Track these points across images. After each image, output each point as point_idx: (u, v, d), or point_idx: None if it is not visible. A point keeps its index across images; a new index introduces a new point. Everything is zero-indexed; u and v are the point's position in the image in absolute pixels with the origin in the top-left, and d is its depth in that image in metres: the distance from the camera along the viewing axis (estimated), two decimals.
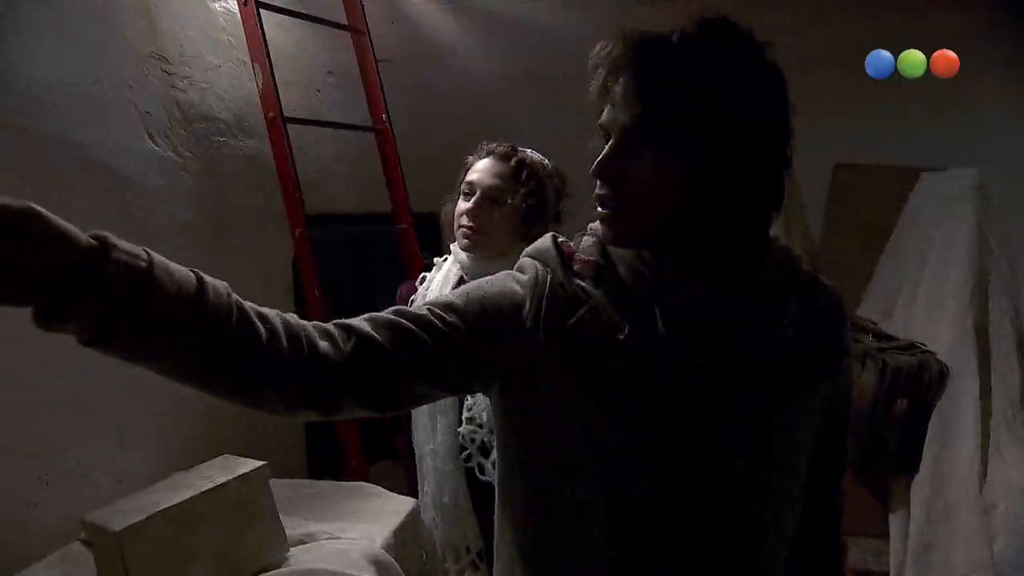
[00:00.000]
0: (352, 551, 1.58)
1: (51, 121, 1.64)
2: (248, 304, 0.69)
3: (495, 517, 0.88)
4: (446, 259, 1.57)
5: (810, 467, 0.82)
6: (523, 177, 1.45)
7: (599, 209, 0.76)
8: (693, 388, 0.74)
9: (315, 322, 0.74)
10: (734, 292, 0.76)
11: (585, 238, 0.82)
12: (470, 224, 1.45)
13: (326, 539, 1.66)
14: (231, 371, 0.67)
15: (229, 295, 0.67)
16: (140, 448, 1.85)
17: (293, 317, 0.72)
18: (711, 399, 0.75)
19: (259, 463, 1.54)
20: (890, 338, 2.50)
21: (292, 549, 1.58)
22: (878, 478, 2.50)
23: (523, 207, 1.45)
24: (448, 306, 0.78)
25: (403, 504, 1.83)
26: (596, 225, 0.80)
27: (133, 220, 1.85)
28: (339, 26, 2.36)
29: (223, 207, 2.15)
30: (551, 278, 0.78)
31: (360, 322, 0.75)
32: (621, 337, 0.74)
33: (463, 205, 1.48)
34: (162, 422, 1.91)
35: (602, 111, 0.75)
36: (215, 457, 1.60)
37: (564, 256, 0.80)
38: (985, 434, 2.25)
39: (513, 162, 1.47)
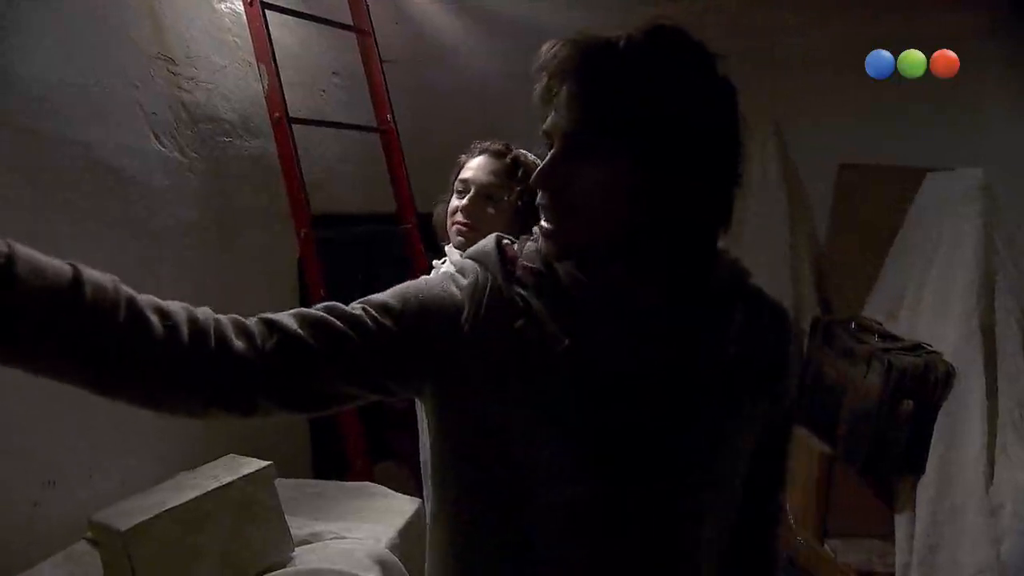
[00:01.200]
0: (357, 551, 1.59)
1: (56, 121, 1.64)
2: (146, 298, 0.65)
3: (427, 515, 0.87)
4: (444, 261, 1.57)
5: (749, 478, 0.82)
6: (518, 175, 1.43)
7: (542, 222, 0.74)
8: (641, 393, 0.73)
9: (234, 316, 0.70)
10: (684, 299, 0.75)
11: (529, 243, 0.79)
12: (464, 221, 1.44)
13: (331, 539, 1.66)
14: (119, 370, 0.63)
15: (117, 289, 0.62)
16: (145, 448, 1.85)
17: (205, 312, 0.68)
18: (660, 403, 0.74)
19: (264, 463, 1.55)
20: (895, 339, 2.49)
21: (297, 549, 1.59)
22: (883, 479, 2.49)
23: (517, 204, 1.43)
24: (383, 306, 0.75)
25: (407, 504, 1.83)
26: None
27: (138, 220, 1.85)
28: (344, 27, 2.37)
29: (228, 207, 2.16)
30: (491, 283, 0.75)
31: (286, 318, 0.72)
32: (560, 349, 0.72)
33: (456, 202, 1.46)
34: (167, 422, 1.90)
35: (546, 117, 0.73)
36: (220, 457, 1.61)
37: (506, 260, 0.77)
38: (991, 435, 2.24)
39: (508, 160, 1.45)
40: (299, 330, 0.71)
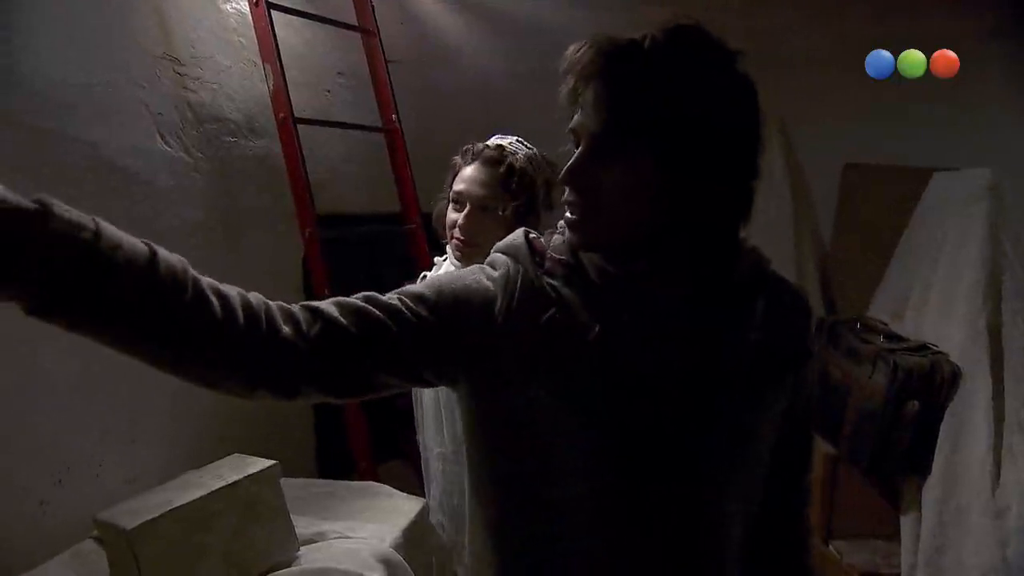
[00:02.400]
0: (362, 550, 1.59)
1: (63, 121, 1.65)
2: (207, 281, 0.68)
3: (467, 509, 0.89)
4: (445, 258, 1.57)
5: (775, 463, 0.84)
6: (513, 185, 1.42)
7: (568, 215, 0.76)
8: (666, 391, 0.75)
9: (280, 303, 0.72)
10: (706, 296, 0.77)
11: (556, 236, 0.81)
12: (461, 237, 1.44)
13: (336, 538, 1.67)
14: (182, 347, 0.66)
15: (185, 271, 0.65)
16: (152, 447, 1.86)
17: (256, 296, 0.71)
18: (684, 402, 0.75)
19: (270, 462, 1.55)
20: (901, 339, 2.48)
21: (302, 548, 1.59)
22: (889, 479, 2.48)
23: (515, 213, 1.42)
24: (419, 297, 0.77)
25: (412, 504, 1.83)
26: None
27: (142, 220, 1.86)
28: (349, 27, 2.37)
29: (233, 208, 2.16)
30: (522, 275, 0.78)
31: (328, 306, 0.74)
32: (591, 338, 0.74)
33: (453, 216, 1.46)
34: (174, 421, 1.92)
35: (572, 116, 0.75)
36: (226, 456, 1.61)
37: (536, 253, 0.80)
38: (998, 436, 2.23)
39: (502, 169, 1.44)
40: (341, 318, 0.73)
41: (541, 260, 0.79)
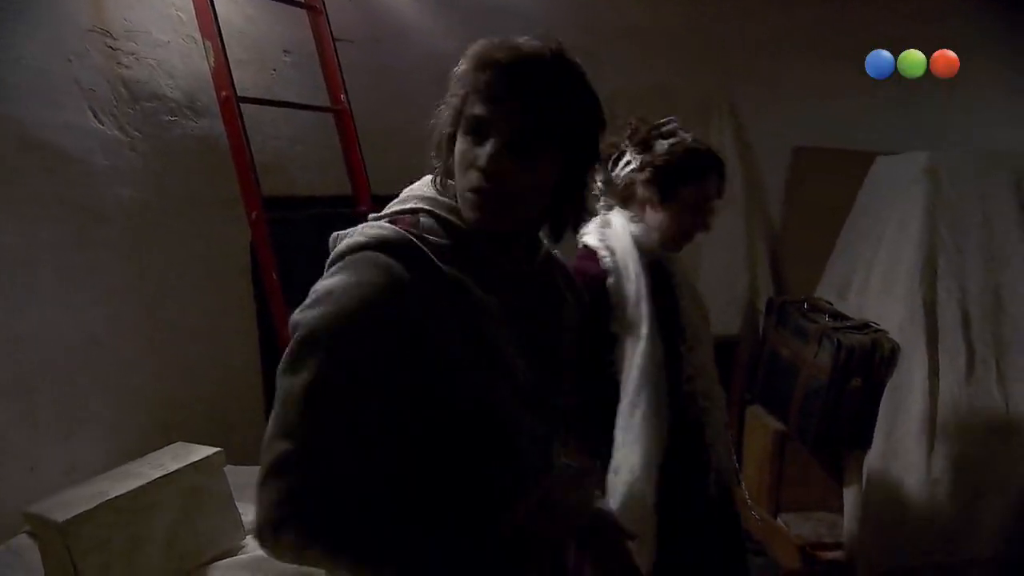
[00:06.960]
0: None
1: None
2: None
3: None
4: None
5: None
6: None
7: (470, 195, 0.83)
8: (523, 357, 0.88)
9: None
10: (537, 269, 0.95)
11: (424, 220, 0.87)
12: None
13: None
14: None
15: None
16: (92, 439, 1.80)
17: None
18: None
19: (214, 449, 1.52)
20: (845, 318, 2.55)
21: (249, 536, 1.56)
22: (833, 454, 2.56)
23: None
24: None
25: None
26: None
27: (77, 201, 1.79)
28: (294, 3, 2.30)
29: (175, 188, 2.09)
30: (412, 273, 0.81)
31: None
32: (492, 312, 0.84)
33: None
34: (116, 412, 1.86)
35: (462, 98, 0.85)
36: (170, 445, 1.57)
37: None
38: (933, 410, 2.33)
39: None
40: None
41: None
